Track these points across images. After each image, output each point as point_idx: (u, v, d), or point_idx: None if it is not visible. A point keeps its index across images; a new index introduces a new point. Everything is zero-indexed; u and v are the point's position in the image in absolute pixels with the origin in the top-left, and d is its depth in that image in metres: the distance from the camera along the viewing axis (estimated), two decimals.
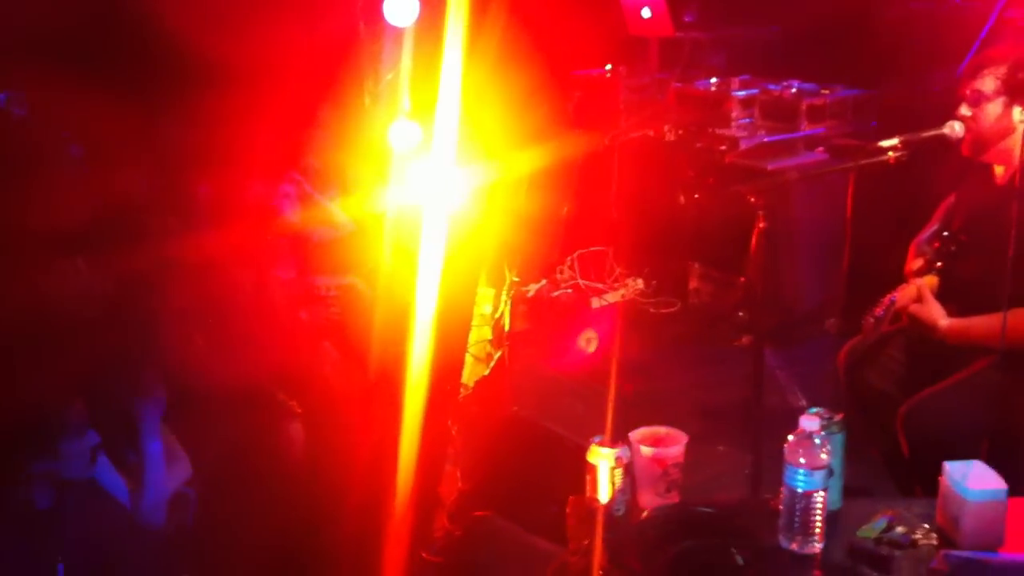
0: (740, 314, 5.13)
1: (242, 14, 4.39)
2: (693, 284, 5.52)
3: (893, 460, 3.29)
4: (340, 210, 4.45)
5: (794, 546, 2.20)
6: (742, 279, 5.05)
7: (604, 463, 2.32)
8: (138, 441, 3.03)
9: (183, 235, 3.45)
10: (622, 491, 2.34)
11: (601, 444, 2.36)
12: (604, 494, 2.32)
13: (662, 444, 2.43)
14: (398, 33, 4.98)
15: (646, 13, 5.56)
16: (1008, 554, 2.15)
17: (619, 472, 2.33)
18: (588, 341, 3.23)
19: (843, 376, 3.45)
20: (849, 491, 3.40)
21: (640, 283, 5.63)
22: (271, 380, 3.56)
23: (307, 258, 4.43)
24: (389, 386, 3.43)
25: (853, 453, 3.73)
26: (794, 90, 5.42)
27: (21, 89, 4.17)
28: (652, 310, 5.52)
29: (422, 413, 3.31)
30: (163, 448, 3.10)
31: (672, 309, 5.51)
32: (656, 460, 2.39)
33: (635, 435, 2.44)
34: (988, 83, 3.12)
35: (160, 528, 2.89)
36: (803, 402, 4.42)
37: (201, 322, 3.54)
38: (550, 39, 5.88)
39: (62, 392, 2.39)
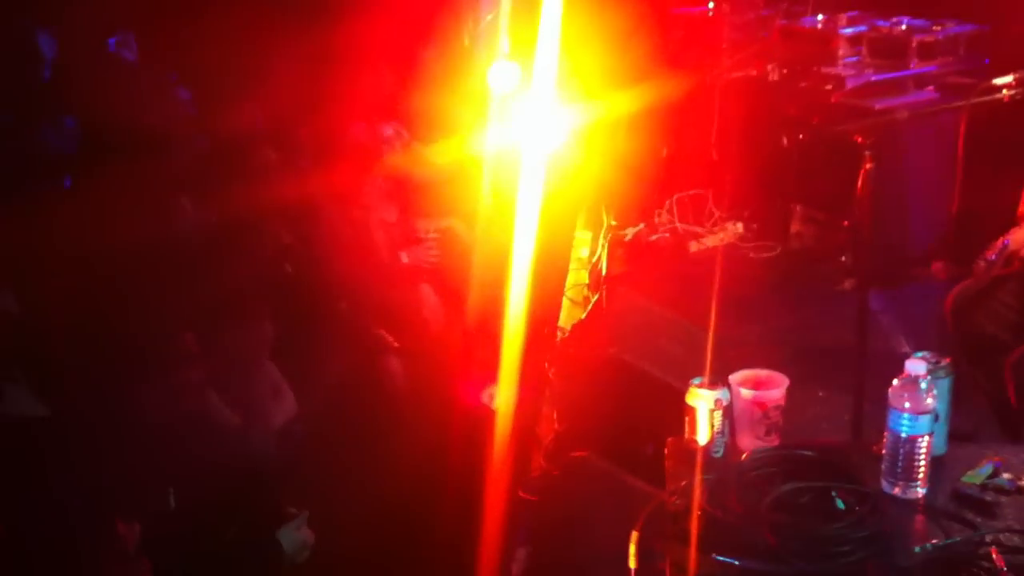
0: (843, 258, 5.03)
1: None
2: (795, 227, 5.42)
3: (1001, 407, 3.22)
4: (438, 153, 4.48)
5: (897, 490, 2.18)
6: (846, 222, 4.94)
7: (703, 404, 2.31)
8: (246, 375, 3.12)
9: (286, 174, 3.51)
10: (721, 433, 2.34)
11: (700, 386, 2.36)
12: (703, 435, 2.32)
13: (762, 387, 2.41)
14: None
15: None
16: None
17: (718, 414, 2.33)
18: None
19: (951, 321, 3.37)
20: (955, 437, 3.35)
21: (740, 227, 5.54)
22: (372, 318, 3.62)
23: (408, 200, 4.48)
24: (486, 328, 3.47)
25: (960, 399, 3.68)
26: (904, 26, 5.23)
27: (130, 31, 4.27)
28: (752, 254, 5.43)
29: (520, 355, 3.33)
30: (270, 383, 3.18)
31: (773, 253, 5.41)
32: (756, 403, 2.37)
33: (735, 377, 2.42)
34: None
35: (267, 462, 2.97)
36: (907, 347, 4.32)
37: (306, 260, 3.62)
38: None
39: (172, 324, 2.46)
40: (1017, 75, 3.10)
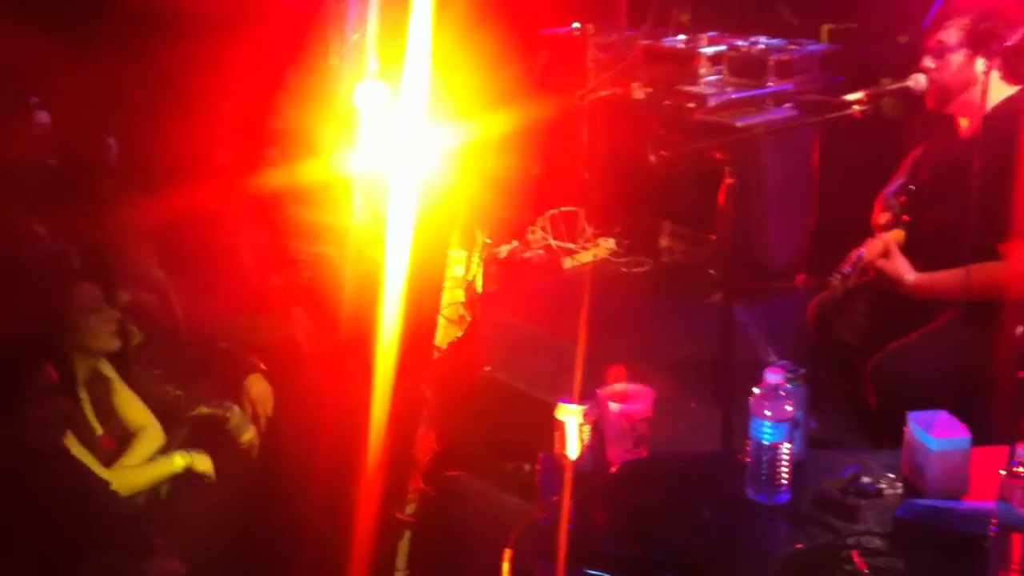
0: (711, 271, 5.14)
1: None
2: (664, 242, 5.53)
3: (862, 413, 3.32)
4: (307, 174, 4.43)
5: (761, 497, 2.23)
6: (712, 236, 5.05)
7: (572, 420, 2.33)
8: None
9: (145, 199, 3.43)
10: (591, 447, 2.36)
11: (570, 401, 2.38)
12: (573, 450, 2.34)
13: (630, 400, 2.45)
14: None
15: None
16: (971, 502, 2.17)
17: (587, 428, 2.35)
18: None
19: (812, 331, 3.47)
20: (819, 444, 3.44)
21: (612, 242, 5.63)
22: (242, 343, 3.56)
23: (278, 222, 4.41)
24: (360, 349, 3.43)
25: (823, 407, 3.79)
26: (761, 46, 5.41)
27: None
28: (624, 269, 5.52)
29: (393, 376, 3.31)
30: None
31: (644, 268, 5.51)
32: (624, 415, 2.41)
33: (603, 392, 2.45)
34: (951, 34, 3.11)
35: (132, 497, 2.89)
36: (773, 357, 4.43)
37: (171, 284, 3.53)
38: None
39: (28, 354, 2.36)
40: (867, 91, 3.22)
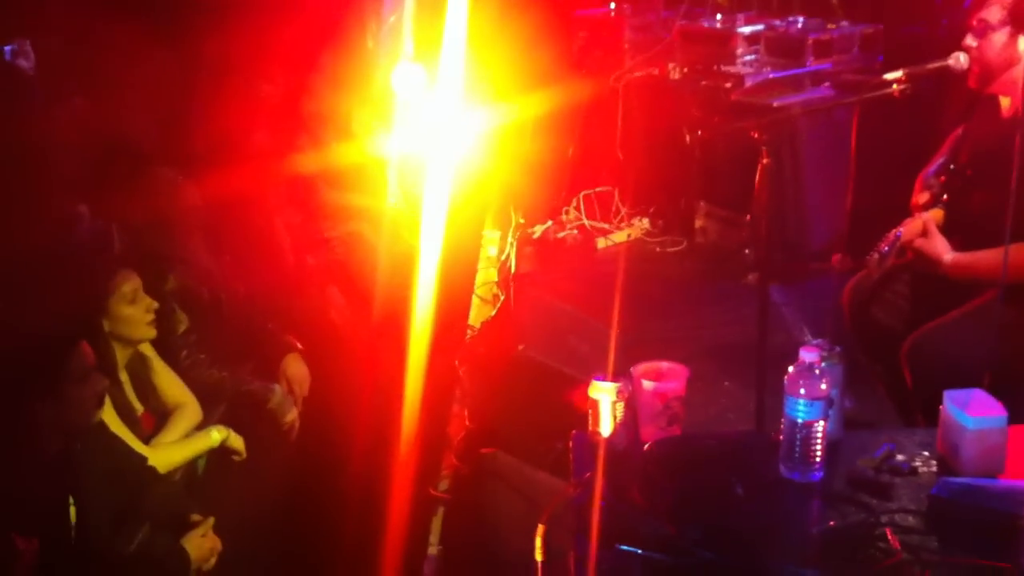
0: (746, 251, 5.12)
1: None
2: (699, 223, 5.51)
3: (897, 394, 3.30)
4: (343, 156, 4.45)
5: (795, 475, 2.22)
6: (748, 217, 5.04)
7: (606, 397, 2.34)
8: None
9: (189, 183, 3.46)
10: (624, 425, 2.36)
11: (603, 379, 2.38)
12: (606, 428, 2.34)
13: (663, 378, 2.45)
14: None
15: None
16: (1007, 480, 2.16)
17: (621, 406, 2.35)
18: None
19: (848, 312, 3.45)
20: (853, 424, 3.42)
21: (646, 223, 5.62)
22: (279, 322, 3.59)
23: (313, 203, 4.44)
24: (394, 329, 3.45)
25: (858, 387, 3.77)
26: (799, 25, 5.37)
27: (25, 39, 4.17)
28: (658, 249, 5.52)
29: (427, 355, 3.33)
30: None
31: (678, 248, 5.50)
32: (657, 394, 2.41)
33: (637, 370, 2.45)
34: (994, 13, 3.07)
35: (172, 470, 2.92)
36: (809, 338, 4.42)
37: (215, 267, 3.57)
38: None
39: (67, 334, 2.40)
40: (907, 70, 3.18)
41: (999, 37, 3.06)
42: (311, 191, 4.46)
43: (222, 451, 3.04)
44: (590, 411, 2.37)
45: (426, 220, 3.84)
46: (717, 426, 3.81)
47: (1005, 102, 3.15)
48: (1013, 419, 2.32)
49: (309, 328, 3.71)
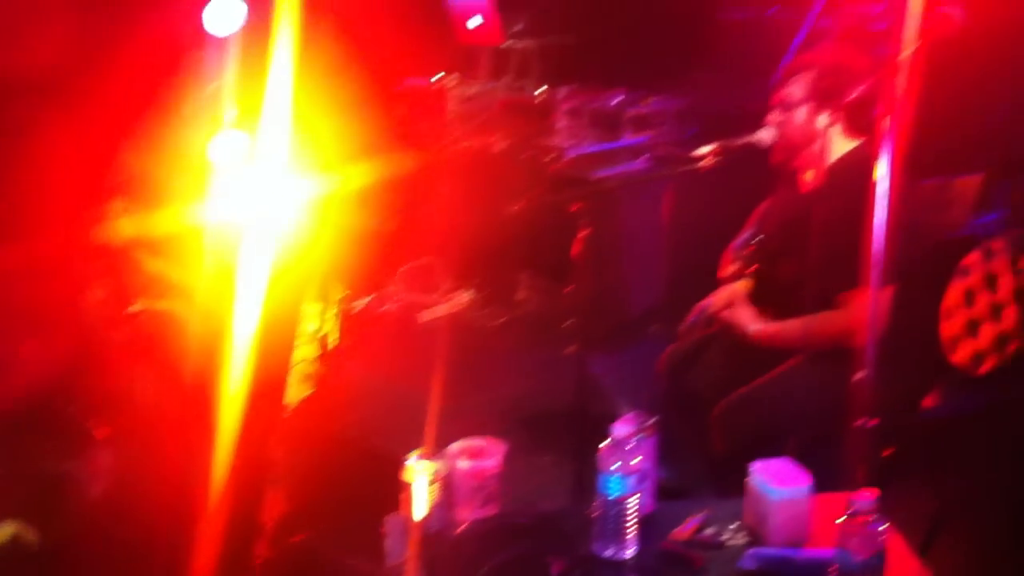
0: (568, 322, 5.16)
1: (51, 18, 4.19)
2: (522, 294, 5.54)
3: (713, 462, 3.35)
4: (155, 227, 4.29)
5: (608, 552, 2.20)
6: (569, 287, 5.08)
7: (420, 479, 2.27)
8: None
9: None
10: (439, 506, 2.30)
11: (417, 460, 2.32)
12: (420, 510, 2.28)
13: (480, 457, 2.40)
14: (221, 41, 4.84)
15: (475, 21, 5.55)
16: (813, 550, 2.19)
17: (436, 487, 2.29)
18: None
19: (664, 381, 3.50)
20: (672, 494, 3.45)
21: (469, 295, 5.62)
22: (79, 406, 3.40)
23: (121, 276, 4.25)
24: (203, 411, 3.31)
25: (676, 457, 3.80)
26: (618, 100, 5.51)
27: None
28: (482, 322, 5.51)
29: (238, 436, 3.19)
30: None
31: (501, 320, 5.51)
32: (472, 473, 2.36)
33: (452, 449, 2.40)
34: (796, 89, 3.20)
35: None
36: (628, 408, 4.46)
37: (8, 346, 3.36)
38: (378, 49, 5.82)
39: None
40: (716, 145, 3.28)
41: (801, 113, 3.19)
42: (121, 262, 4.27)
43: (14, 546, 2.84)
44: (404, 493, 2.30)
45: (242, 294, 3.72)
46: (538, 500, 3.78)
47: (808, 176, 3.28)
48: (821, 485, 2.37)
49: (114, 410, 3.52)
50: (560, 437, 4.07)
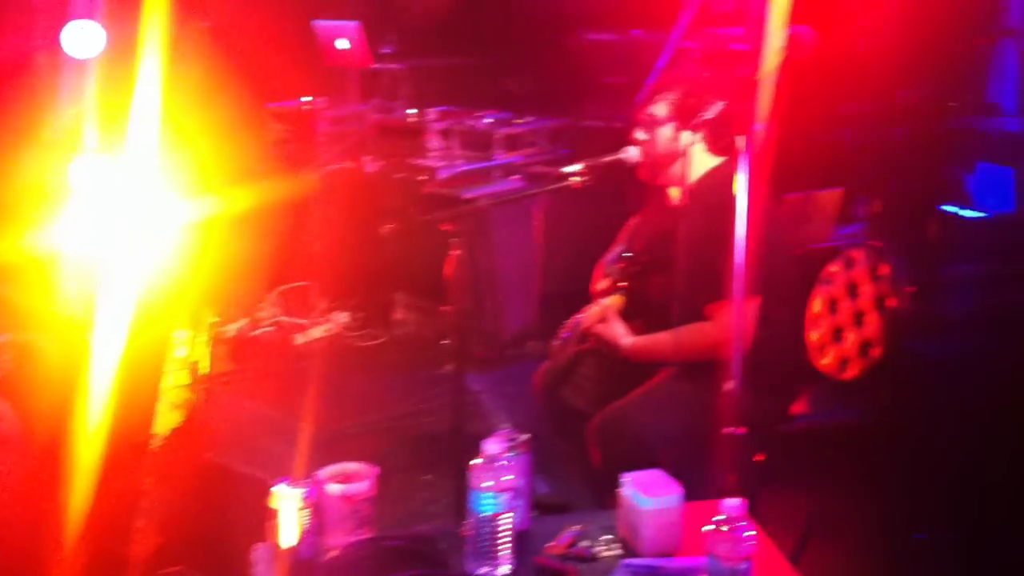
0: (445, 342, 5.16)
1: None
2: (399, 315, 5.53)
3: (589, 476, 3.37)
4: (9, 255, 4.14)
5: (482, 570, 2.20)
6: (446, 307, 5.09)
7: (289, 505, 2.23)
8: None
9: None
10: (309, 532, 2.26)
11: (288, 485, 2.27)
12: (291, 537, 2.23)
13: (351, 480, 2.37)
14: (81, 64, 4.72)
15: (342, 44, 5.52)
16: (684, 558, 2.22)
17: (306, 513, 2.25)
18: None
19: (540, 397, 3.51)
20: (552, 509, 3.47)
21: (345, 316, 5.57)
22: None
23: None
24: (65, 444, 3.20)
25: (555, 472, 3.83)
26: (489, 120, 5.55)
27: None
28: (359, 343, 5.47)
29: (104, 470, 3.10)
30: None
31: (378, 341, 5.49)
32: (344, 498, 2.32)
33: (323, 473, 2.36)
34: (660, 108, 3.26)
35: None
36: (506, 425, 4.47)
37: None
38: (247, 72, 5.74)
39: None
40: (584, 163, 3.32)
41: (665, 131, 3.24)
42: None
43: None
44: (273, 520, 2.25)
45: (106, 322, 3.61)
46: (418, 520, 3.77)
47: (674, 192, 3.33)
48: (694, 494, 2.41)
49: None
50: (439, 456, 4.08)
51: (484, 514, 2.18)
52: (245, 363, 5.13)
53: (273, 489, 2.25)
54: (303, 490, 2.25)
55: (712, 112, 2.74)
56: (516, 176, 5.35)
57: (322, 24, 5.62)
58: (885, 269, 3.40)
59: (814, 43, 2.51)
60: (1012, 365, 4.71)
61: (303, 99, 5.94)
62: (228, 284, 5.15)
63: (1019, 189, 6.01)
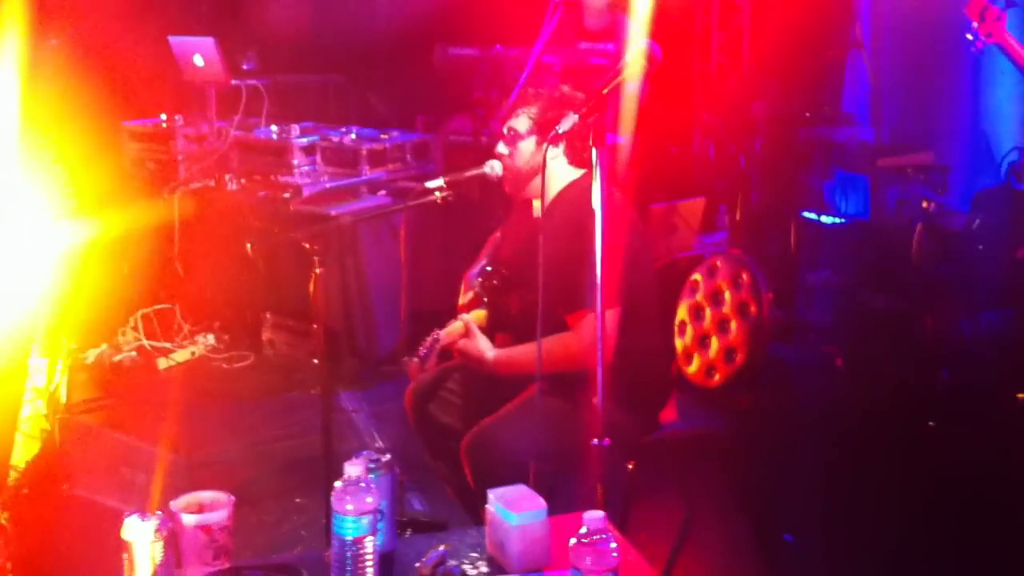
0: (315, 361, 5.08)
1: None
2: (266, 335, 5.43)
3: (462, 492, 3.35)
4: None
5: None
6: (315, 326, 5.02)
7: (141, 537, 2.15)
8: None
9: None
10: (164, 566, 2.18)
11: (141, 516, 2.19)
12: (143, 571, 2.15)
13: (207, 510, 2.29)
14: None
15: (199, 61, 5.40)
16: (552, 573, 2.22)
17: (159, 546, 2.17)
18: None
19: (411, 415, 3.48)
20: (424, 527, 3.44)
21: (211, 339, 5.45)
22: None
23: None
24: None
25: (429, 490, 3.80)
26: (353, 136, 5.49)
27: None
28: (225, 365, 5.36)
29: None
30: None
31: (246, 362, 5.38)
32: (200, 528, 2.25)
33: (177, 504, 2.28)
34: (521, 122, 3.27)
35: None
36: (380, 443, 4.44)
37: None
38: (104, 90, 5.58)
39: None
40: (447, 178, 3.31)
41: (526, 145, 3.25)
42: None
43: None
44: (125, 554, 2.16)
45: None
46: (290, 545, 3.70)
47: (536, 205, 3.34)
48: (565, 507, 2.41)
49: None
50: (311, 477, 4.01)
51: (346, 537, 2.13)
52: (106, 390, 4.97)
53: (126, 521, 2.16)
54: (155, 521, 2.17)
55: (569, 125, 2.75)
56: (383, 192, 5.31)
57: (178, 40, 5.49)
58: (746, 277, 3.47)
59: (659, 58, 2.54)
60: (870, 368, 4.87)
61: (160, 117, 5.81)
62: (86, 309, 4.99)
63: (873, 195, 6.24)
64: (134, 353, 5.24)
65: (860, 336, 4.97)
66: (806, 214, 5.74)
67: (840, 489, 4.09)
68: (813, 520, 3.86)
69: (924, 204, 5.10)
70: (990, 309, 4.65)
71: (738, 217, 5.72)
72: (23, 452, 4.10)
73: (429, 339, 3.14)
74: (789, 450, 4.41)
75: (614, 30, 5.30)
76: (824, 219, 5.78)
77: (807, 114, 6.09)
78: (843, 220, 5.85)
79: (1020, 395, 4.39)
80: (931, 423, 4.48)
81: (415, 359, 3.08)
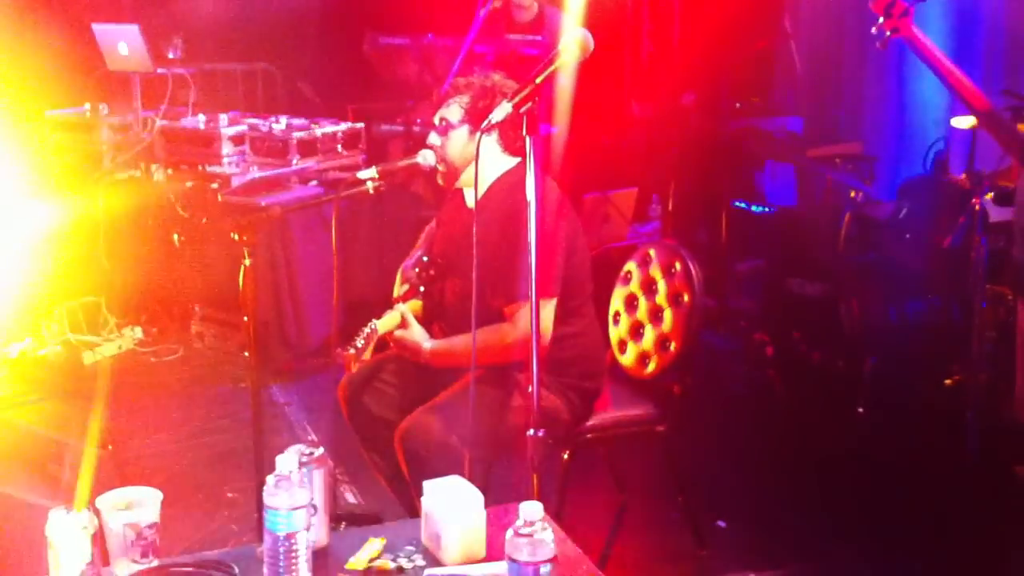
0: (246, 354, 5.01)
1: None
2: (195, 328, 5.34)
3: (397, 484, 3.33)
4: None
5: None
6: (245, 318, 4.94)
7: (65, 534, 2.09)
8: None
9: None
10: (92, 564, 2.12)
11: (66, 512, 2.13)
12: (70, 570, 2.09)
13: (135, 506, 2.24)
14: None
15: (122, 49, 5.28)
16: (488, 563, 2.20)
17: (86, 543, 2.11)
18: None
19: (344, 407, 3.44)
20: (359, 521, 3.41)
21: (139, 332, 5.35)
22: None
23: None
24: None
25: (364, 482, 3.77)
26: (283, 125, 5.41)
27: None
28: (153, 359, 5.26)
29: None
30: None
31: (175, 356, 5.28)
32: (127, 526, 2.19)
33: (103, 500, 2.23)
34: (454, 112, 3.24)
35: None
36: (312, 436, 4.39)
37: None
38: (24, 80, 5.44)
39: None
40: (379, 168, 3.27)
41: (459, 135, 3.23)
42: None
43: None
44: (49, 552, 2.11)
45: None
46: (221, 539, 3.64)
47: (470, 195, 3.32)
48: (501, 497, 2.39)
49: None
50: (242, 471, 3.96)
51: (279, 533, 2.10)
52: (31, 384, 4.85)
53: (50, 517, 2.11)
54: (81, 518, 2.12)
55: (501, 114, 2.73)
56: (313, 182, 5.24)
57: (101, 28, 5.36)
58: (680, 266, 3.48)
59: (591, 47, 2.53)
60: (799, 355, 4.93)
61: (82, 107, 5.67)
62: (9, 302, 4.87)
63: (802, 185, 6.32)
64: (59, 347, 5.12)
65: (789, 323, 5.03)
66: (736, 203, 5.79)
67: (771, 475, 4.14)
68: (745, 506, 3.91)
69: (852, 194, 5.17)
70: (916, 297, 4.73)
71: (670, 207, 5.75)
72: None
73: (365, 330, 3.10)
74: (721, 437, 4.45)
75: (543, 23, 5.30)
76: (754, 208, 5.84)
77: (737, 104, 6.14)
78: (772, 209, 5.91)
79: (947, 381, 4.48)
80: (860, 409, 4.55)
81: (349, 350, 3.04)
